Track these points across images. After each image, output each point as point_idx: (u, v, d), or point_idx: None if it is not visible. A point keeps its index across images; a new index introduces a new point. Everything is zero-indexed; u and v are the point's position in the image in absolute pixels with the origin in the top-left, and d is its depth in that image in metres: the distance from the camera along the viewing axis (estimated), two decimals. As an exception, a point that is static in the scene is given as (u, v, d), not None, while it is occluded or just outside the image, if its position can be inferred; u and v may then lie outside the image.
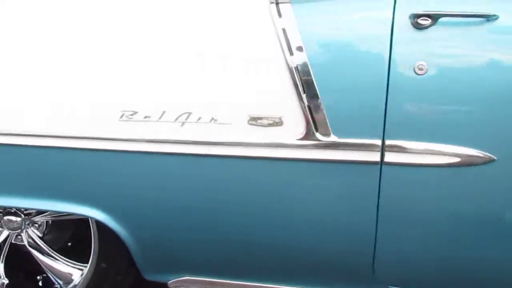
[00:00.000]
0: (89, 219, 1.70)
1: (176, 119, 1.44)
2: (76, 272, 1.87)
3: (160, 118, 1.44)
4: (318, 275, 1.58)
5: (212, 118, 1.42)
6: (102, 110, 1.47)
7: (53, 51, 1.49)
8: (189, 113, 1.43)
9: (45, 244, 1.86)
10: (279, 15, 1.37)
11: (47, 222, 1.86)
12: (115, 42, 1.46)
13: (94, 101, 1.47)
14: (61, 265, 1.87)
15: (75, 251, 1.92)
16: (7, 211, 1.82)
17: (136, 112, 1.45)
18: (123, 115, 1.46)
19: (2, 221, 1.84)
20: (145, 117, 1.45)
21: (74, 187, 1.56)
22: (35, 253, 1.86)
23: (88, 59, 1.47)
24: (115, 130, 1.47)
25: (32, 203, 1.62)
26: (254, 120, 1.41)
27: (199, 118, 1.43)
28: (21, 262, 1.96)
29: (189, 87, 1.42)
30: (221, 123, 1.42)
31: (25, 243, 1.85)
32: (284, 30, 1.37)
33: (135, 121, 1.46)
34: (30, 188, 1.60)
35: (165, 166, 1.49)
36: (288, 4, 1.39)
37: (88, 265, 1.79)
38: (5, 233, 1.87)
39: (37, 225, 1.85)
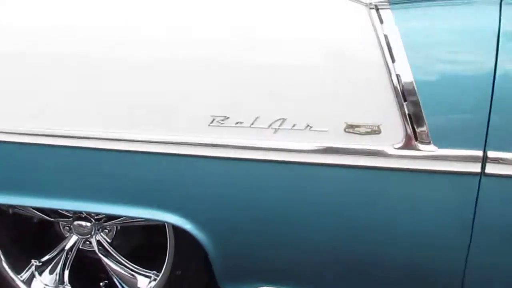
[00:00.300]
0: (166, 225, 1.67)
1: (270, 125, 1.40)
2: (143, 279, 1.84)
3: (252, 124, 1.41)
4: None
5: (308, 125, 1.39)
6: (191, 115, 1.44)
7: (147, 57, 1.45)
8: (283, 120, 1.39)
9: (114, 250, 1.83)
10: (381, 21, 1.34)
11: (115, 227, 1.83)
12: (208, 45, 1.42)
13: (183, 105, 1.44)
14: (130, 271, 1.84)
15: (139, 257, 1.89)
16: (77, 216, 1.79)
17: (227, 118, 1.42)
18: (213, 120, 1.42)
19: (72, 226, 1.81)
20: (237, 122, 1.41)
21: (158, 193, 1.52)
22: (104, 259, 1.82)
23: (179, 62, 1.43)
24: (205, 135, 1.43)
25: (113, 209, 1.58)
26: (351, 128, 1.37)
27: (294, 125, 1.39)
28: (84, 268, 1.94)
29: (284, 93, 1.39)
30: (316, 130, 1.39)
31: (95, 248, 1.82)
32: (386, 36, 1.33)
33: (225, 126, 1.42)
34: (111, 194, 1.56)
35: (255, 174, 1.45)
36: (389, 10, 1.35)
37: (162, 272, 1.75)
38: (74, 238, 1.84)
39: (106, 230, 1.82)
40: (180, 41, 1.44)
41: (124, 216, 1.69)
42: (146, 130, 1.47)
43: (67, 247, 1.86)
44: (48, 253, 1.91)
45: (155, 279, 1.81)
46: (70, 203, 1.62)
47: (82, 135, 1.51)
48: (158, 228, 1.76)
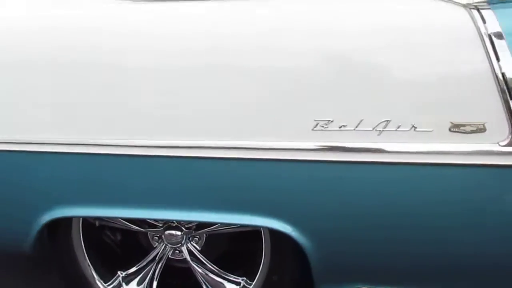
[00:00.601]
0: (262, 231, 1.69)
1: (374, 127, 1.42)
2: (232, 287, 1.85)
3: (356, 127, 1.43)
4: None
5: (412, 126, 1.40)
6: (294, 120, 1.46)
7: (250, 65, 1.48)
8: (388, 121, 1.41)
9: (204, 258, 1.85)
10: (484, 21, 1.37)
11: (205, 235, 1.85)
12: (311, 51, 1.46)
13: (286, 111, 1.46)
14: (220, 278, 1.85)
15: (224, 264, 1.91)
16: (168, 225, 1.81)
17: (331, 121, 1.44)
18: (317, 124, 1.45)
19: (162, 236, 1.83)
20: (341, 126, 1.44)
21: (260, 199, 1.54)
22: (195, 267, 1.84)
23: (282, 68, 1.46)
24: (308, 140, 1.46)
25: (211, 217, 1.60)
26: (457, 127, 1.39)
27: (399, 126, 1.41)
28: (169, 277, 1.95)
29: (389, 94, 1.41)
30: (421, 131, 1.40)
31: (186, 257, 1.84)
32: (490, 36, 1.36)
33: (329, 130, 1.44)
34: (208, 202, 1.58)
35: (358, 176, 1.47)
36: (490, 10, 1.38)
37: (256, 278, 1.76)
38: (164, 248, 1.86)
39: (197, 238, 1.84)
40: (282, 48, 1.47)
41: (222, 223, 1.70)
42: (247, 136, 1.49)
43: (157, 257, 1.87)
44: (134, 264, 1.92)
45: (245, 286, 1.82)
46: (167, 213, 1.64)
47: (179, 145, 1.54)
48: (245, 234, 1.79)
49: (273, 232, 1.63)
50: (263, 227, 1.62)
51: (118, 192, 1.65)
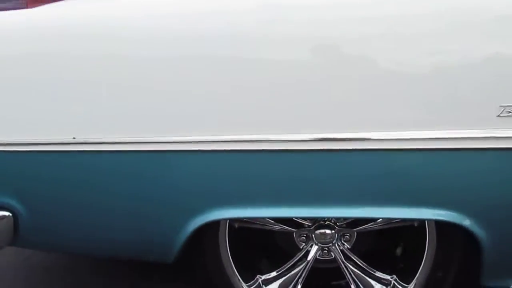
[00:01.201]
0: (426, 225, 1.64)
1: None
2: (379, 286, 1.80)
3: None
4: None
5: None
6: (476, 106, 1.41)
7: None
8: None
9: (356, 256, 1.80)
10: None
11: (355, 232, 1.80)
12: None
13: (466, 96, 1.41)
14: (370, 278, 1.80)
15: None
16: (318, 224, 1.76)
17: (518, 107, 1.40)
18: (503, 110, 1.40)
19: (312, 236, 1.78)
20: (529, 111, 1.39)
21: (434, 190, 1.50)
22: (350, 267, 1.80)
23: (461, 50, 1.42)
24: (492, 127, 1.41)
25: (378, 212, 1.55)
26: None
27: None
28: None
29: None
30: None
31: (338, 256, 1.79)
32: None
33: (515, 116, 1.40)
34: (377, 196, 1.53)
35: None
36: None
37: (416, 276, 1.71)
38: (315, 248, 1.81)
39: (347, 236, 1.78)
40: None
41: (387, 218, 1.65)
42: (422, 126, 1.44)
43: (306, 258, 1.81)
44: (273, 266, 1.87)
45: (395, 285, 1.77)
46: (327, 210, 1.58)
47: (337, 137, 1.48)
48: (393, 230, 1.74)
49: (440, 225, 1.58)
50: (435, 220, 1.56)
51: (277, 191, 1.57)
